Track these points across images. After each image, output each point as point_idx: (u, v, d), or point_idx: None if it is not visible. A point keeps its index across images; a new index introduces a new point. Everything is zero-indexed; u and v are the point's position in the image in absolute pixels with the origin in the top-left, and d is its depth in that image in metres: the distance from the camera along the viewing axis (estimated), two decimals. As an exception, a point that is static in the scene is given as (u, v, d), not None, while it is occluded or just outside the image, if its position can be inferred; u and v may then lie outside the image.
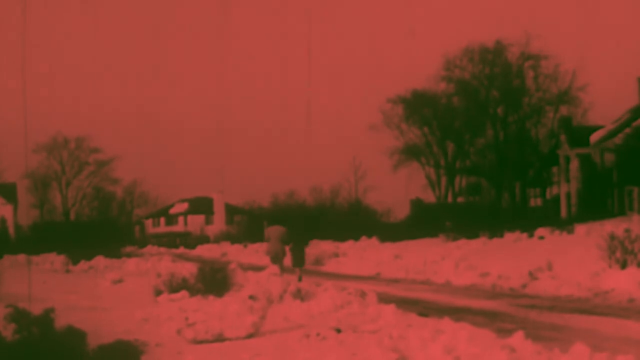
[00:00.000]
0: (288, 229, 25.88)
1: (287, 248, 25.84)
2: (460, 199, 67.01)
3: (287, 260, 26.15)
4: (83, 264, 40.61)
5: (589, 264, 22.74)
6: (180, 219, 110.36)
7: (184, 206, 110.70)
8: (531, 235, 38.50)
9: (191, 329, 13.74)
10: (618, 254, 22.10)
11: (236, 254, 57.18)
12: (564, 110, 60.35)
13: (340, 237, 53.61)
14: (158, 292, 20.75)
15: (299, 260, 26.69)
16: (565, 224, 42.00)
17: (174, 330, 14.22)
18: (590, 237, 30.00)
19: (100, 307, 19.87)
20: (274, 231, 25.78)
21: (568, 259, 25.19)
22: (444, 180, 66.75)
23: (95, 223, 74.33)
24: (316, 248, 47.27)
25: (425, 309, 17.36)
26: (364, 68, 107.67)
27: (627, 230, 22.52)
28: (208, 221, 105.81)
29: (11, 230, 74.61)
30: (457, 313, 16.46)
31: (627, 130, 50.95)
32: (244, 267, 28.55)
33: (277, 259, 25.38)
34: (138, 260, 40.40)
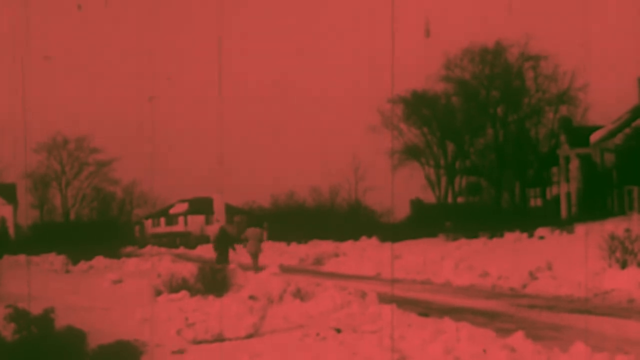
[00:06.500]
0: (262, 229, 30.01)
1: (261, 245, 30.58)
2: (460, 199, 66.98)
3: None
4: (83, 264, 40.54)
5: (589, 263, 22.73)
6: (180, 219, 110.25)
7: (184, 206, 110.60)
8: (531, 235, 38.51)
9: (191, 329, 13.73)
10: (618, 254, 22.09)
11: (237, 254, 57.03)
12: (563, 110, 60.43)
13: (340, 237, 53.59)
14: (158, 292, 20.73)
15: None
16: (565, 224, 42.01)
17: (174, 330, 14.20)
18: (590, 237, 29.98)
19: (100, 307, 19.86)
20: (252, 232, 30.41)
21: (568, 259, 25.18)
22: (443, 180, 66.71)
23: (95, 223, 74.22)
24: (316, 248, 47.26)
25: (426, 309, 17.36)
26: (364, 67, 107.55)
27: (627, 230, 22.55)
28: (208, 221, 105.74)
29: (11, 230, 74.56)
30: (457, 313, 16.46)
31: (627, 130, 50.95)
32: (243, 267, 28.54)
33: (254, 255, 29.97)
34: (138, 261, 40.33)
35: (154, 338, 13.57)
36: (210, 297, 18.91)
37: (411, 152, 66.25)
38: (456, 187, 66.84)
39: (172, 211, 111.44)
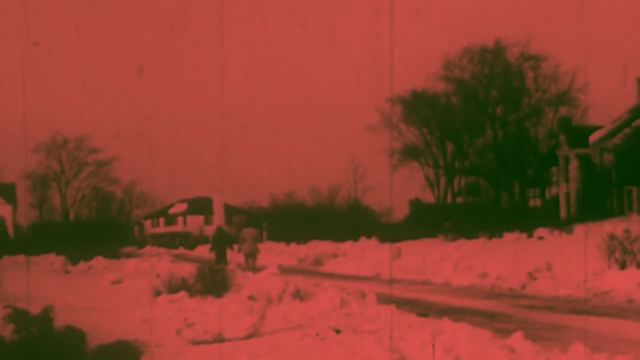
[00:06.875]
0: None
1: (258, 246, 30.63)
2: (459, 200, 66.98)
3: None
4: (82, 265, 40.54)
5: (588, 264, 22.74)
6: (180, 219, 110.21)
7: (184, 207, 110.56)
8: (530, 236, 38.53)
9: (190, 330, 13.73)
10: (617, 255, 22.11)
11: (235, 254, 56.98)
12: (563, 110, 60.45)
13: (340, 237, 53.55)
14: (157, 293, 20.73)
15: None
16: (564, 225, 42.04)
17: (174, 331, 14.21)
18: (589, 237, 29.98)
19: (100, 307, 19.87)
20: (247, 233, 30.46)
21: (567, 260, 25.19)
22: (443, 180, 66.72)
23: (95, 223, 74.28)
24: (316, 248, 47.25)
25: (425, 310, 17.36)
26: (364, 67, 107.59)
27: (627, 231, 22.54)
28: (207, 222, 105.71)
29: (11, 230, 74.53)
30: (457, 313, 16.47)
31: (627, 130, 50.97)
32: (243, 267, 28.56)
33: (252, 256, 29.90)
34: (137, 261, 40.34)
35: (153, 338, 13.59)
36: (210, 298, 18.92)
37: (411, 153, 66.25)
38: (455, 187, 66.86)
39: (171, 211, 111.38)
